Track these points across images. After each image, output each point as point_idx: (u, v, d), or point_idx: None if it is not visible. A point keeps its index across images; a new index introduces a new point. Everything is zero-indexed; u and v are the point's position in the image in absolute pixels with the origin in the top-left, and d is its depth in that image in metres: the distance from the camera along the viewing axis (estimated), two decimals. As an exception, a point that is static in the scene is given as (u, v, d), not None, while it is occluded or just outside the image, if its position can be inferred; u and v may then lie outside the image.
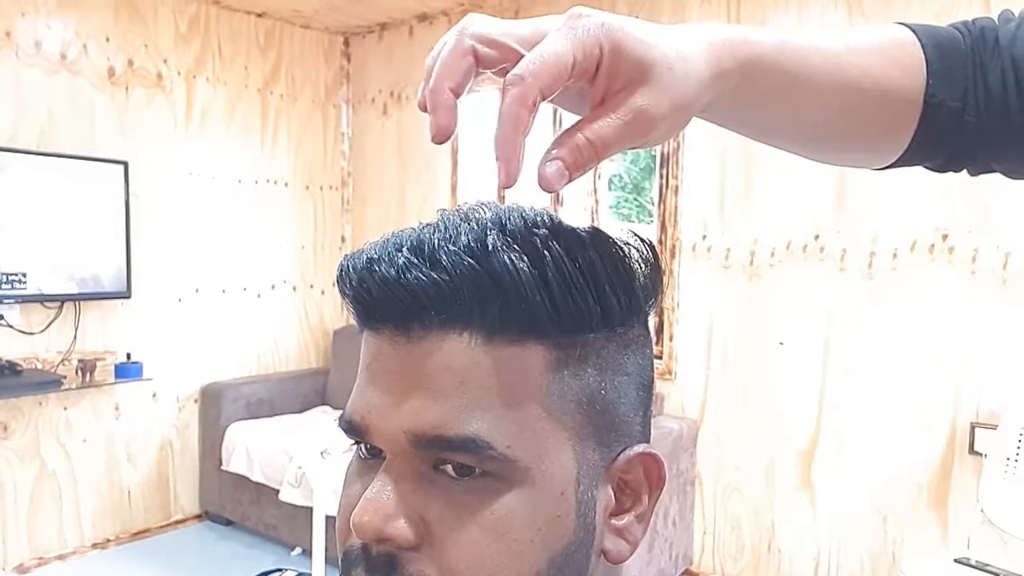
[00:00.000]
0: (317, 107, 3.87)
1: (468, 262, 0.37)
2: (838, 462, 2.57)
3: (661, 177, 2.95)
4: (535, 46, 0.35)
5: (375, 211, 3.89)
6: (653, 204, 3.00)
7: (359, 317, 0.42)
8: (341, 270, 0.41)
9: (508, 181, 0.35)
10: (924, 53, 0.49)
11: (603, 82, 0.37)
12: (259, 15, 3.57)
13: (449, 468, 0.39)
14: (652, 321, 0.47)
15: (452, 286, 0.37)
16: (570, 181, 0.37)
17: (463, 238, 0.38)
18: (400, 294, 0.38)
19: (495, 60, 0.36)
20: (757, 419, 2.74)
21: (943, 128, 0.50)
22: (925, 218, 2.38)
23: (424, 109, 0.37)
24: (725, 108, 0.45)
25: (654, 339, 2.82)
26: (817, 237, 2.58)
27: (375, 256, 0.39)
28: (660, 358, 2.95)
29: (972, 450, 2.32)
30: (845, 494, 2.56)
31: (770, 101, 0.47)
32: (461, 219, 0.40)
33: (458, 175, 3.54)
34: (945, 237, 2.35)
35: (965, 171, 0.53)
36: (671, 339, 2.93)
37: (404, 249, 0.38)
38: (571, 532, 0.40)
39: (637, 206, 6.84)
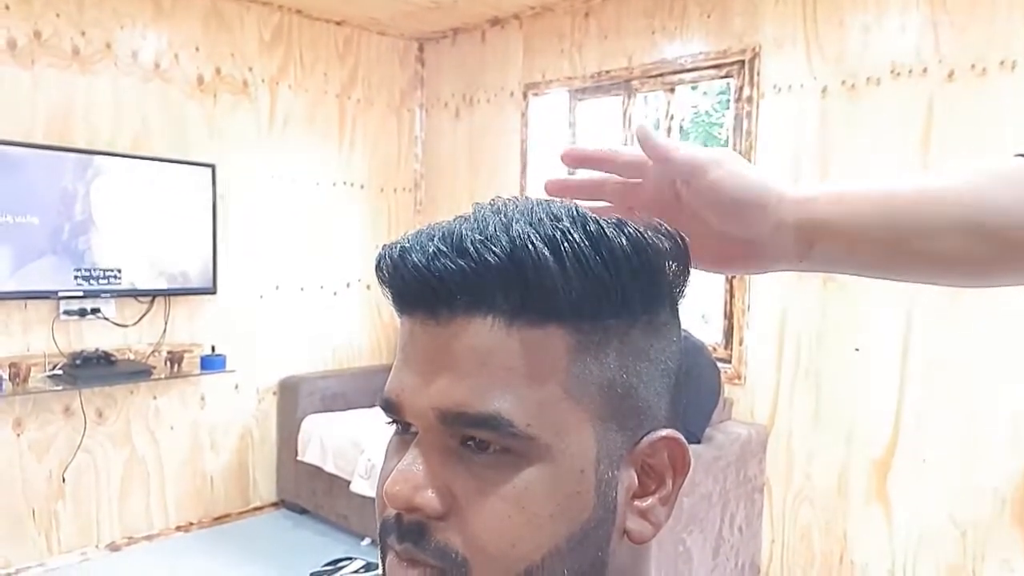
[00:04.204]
0: (392, 111, 3.97)
1: (492, 250, 0.39)
2: (915, 472, 2.47)
3: (732, 178, 2.90)
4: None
5: (446, 212, 3.95)
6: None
7: (394, 302, 0.45)
8: (379, 259, 0.44)
9: (565, 159, 0.49)
10: None
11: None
12: (338, 23, 3.70)
13: (474, 443, 0.41)
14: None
15: (476, 272, 0.40)
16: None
17: (490, 228, 0.40)
18: (429, 280, 0.41)
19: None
20: (830, 426, 2.66)
21: None
22: (1013, 220, 2.26)
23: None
24: (836, 271, 0.51)
25: (723, 343, 2.74)
26: (895, 239, 2.48)
27: (408, 246, 0.42)
28: (729, 362, 2.91)
29: (1062, 465, 2.19)
30: (922, 506, 2.46)
31: (879, 267, 0.50)
32: (492, 212, 0.42)
33: (527, 177, 3.57)
34: (1034, 240, 2.23)
35: None
36: (741, 343, 2.88)
37: (435, 239, 0.41)
38: (590, 509, 0.42)
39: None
